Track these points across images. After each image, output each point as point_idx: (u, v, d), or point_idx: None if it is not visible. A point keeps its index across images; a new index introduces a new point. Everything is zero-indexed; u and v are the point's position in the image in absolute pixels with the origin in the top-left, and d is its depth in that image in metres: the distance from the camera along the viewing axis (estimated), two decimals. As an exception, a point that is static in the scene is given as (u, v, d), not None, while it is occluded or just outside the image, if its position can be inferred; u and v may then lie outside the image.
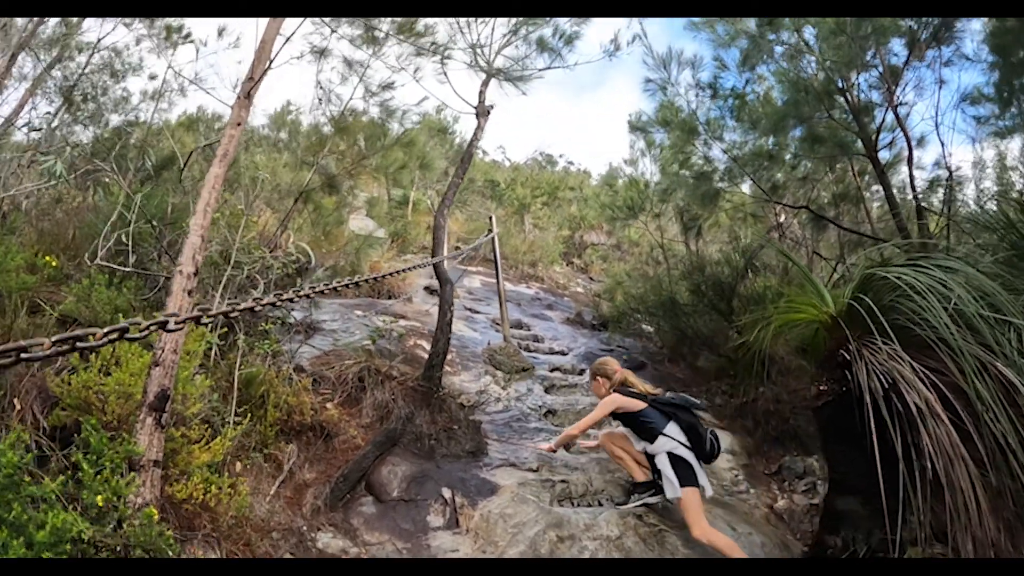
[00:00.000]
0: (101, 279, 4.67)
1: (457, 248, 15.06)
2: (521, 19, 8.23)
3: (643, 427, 4.71)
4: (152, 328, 1.46)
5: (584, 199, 22.86)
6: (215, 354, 4.87)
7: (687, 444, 4.53)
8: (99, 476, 2.83)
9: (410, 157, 10.83)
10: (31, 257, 4.73)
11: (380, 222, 14.69)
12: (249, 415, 4.52)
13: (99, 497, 2.73)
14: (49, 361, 3.82)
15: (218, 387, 4.50)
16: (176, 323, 1.55)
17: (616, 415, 4.84)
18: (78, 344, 1.32)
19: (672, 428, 4.59)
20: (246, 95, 4.19)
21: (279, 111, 16.22)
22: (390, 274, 3.58)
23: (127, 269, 4.91)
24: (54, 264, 4.80)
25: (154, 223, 5.29)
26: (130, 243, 4.95)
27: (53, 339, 1.28)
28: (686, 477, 4.42)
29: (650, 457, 4.68)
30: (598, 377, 5.12)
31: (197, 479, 3.35)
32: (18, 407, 3.36)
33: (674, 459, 4.49)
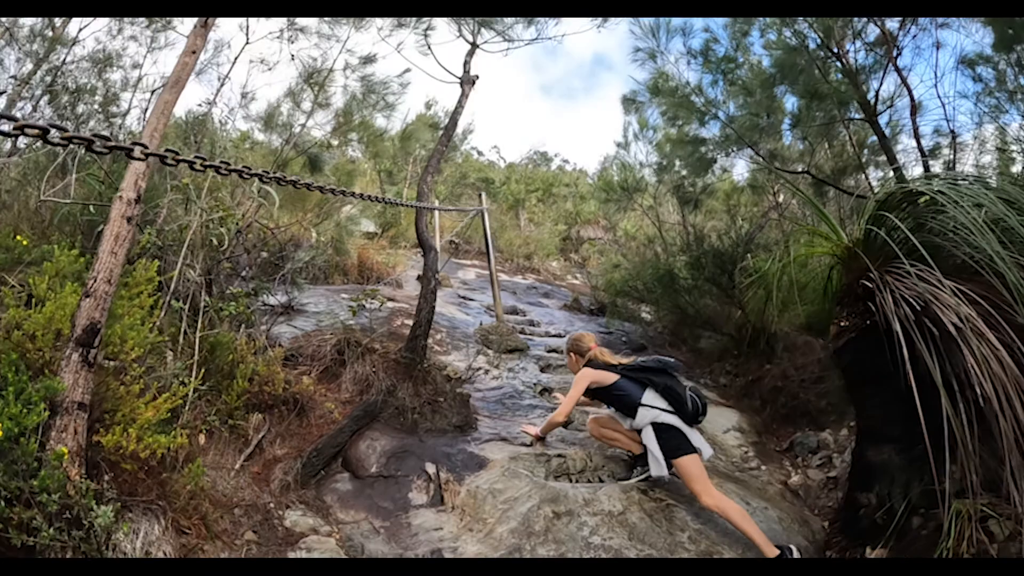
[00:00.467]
0: (64, 243, 4.31)
1: (452, 243, 14.79)
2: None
3: (620, 401, 4.38)
4: (119, 148, 1.42)
5: (580, 196, 22.64)
6: (184, 324, 4.48)
7: (670, 409, 4.18)
8: (6, 411, 2.45)
9: (391, 123, 10.41)
10: (5, 238, 4.44)
11: (372, 216, 14.42)
12: (213, 381, 4.17)
13: (-3, 427, 2.34)
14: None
15: (183, 354, 4.12)
16: (143, 153, 1.52)
17: (594, 394, 4.54)
18: (47, 136, 1.28)
19: (650, 395, 4.26)
20: (203, 24, 3.89)
21: (269, 112, 15.94)
22: (375, 199, 3.20)
23: (69, 201, 4.59)
24: (25, 243, 4.49)
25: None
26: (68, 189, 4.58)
27: (22, 122, 1.25)
28: (678, 447, 4.07)
29: (638, 433, 4.30)
30: (571, 353, 4.85)
31: (132, 432, 2.95)
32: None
33: (659, 429, 4.15)
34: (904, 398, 2.84)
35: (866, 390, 3.39)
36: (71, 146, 1.35)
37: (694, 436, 4.13)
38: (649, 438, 4.16)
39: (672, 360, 4.46)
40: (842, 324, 3.40)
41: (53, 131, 1.28)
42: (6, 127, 1.24)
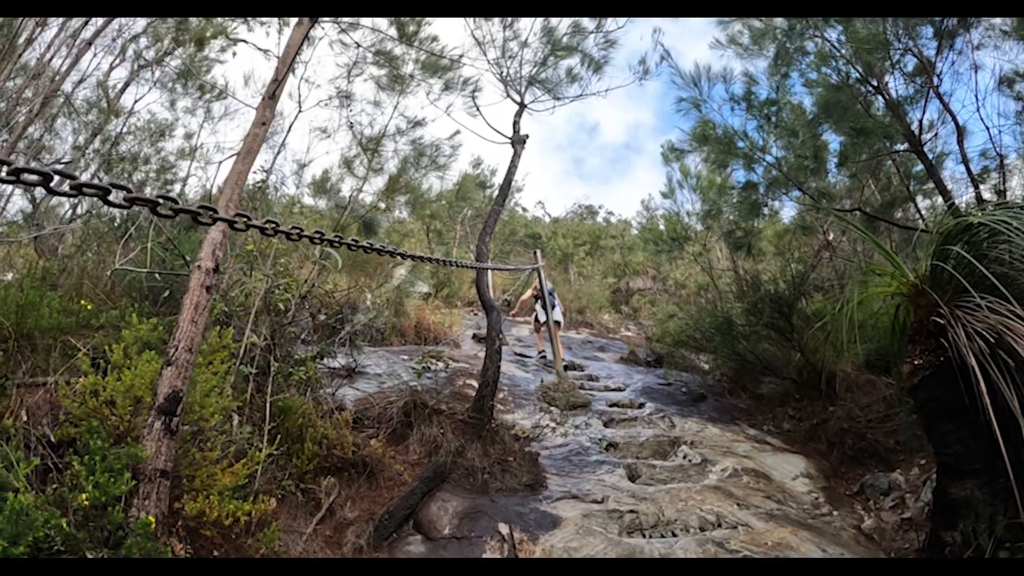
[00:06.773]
0: (131, 309, 4.49)
1: (507, 302, 14.90)
2: (549, 51, 8.23)
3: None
4: (186, 212, 1.35)
5: (627, 247, 22.71)
6: (251, 388, 4.62)
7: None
8: (91, 478, 2.55)
9: (444, 184, 10.70)
10: (68, 302, 4.62)
11: (423, 276, 14.68)
12: (284, 446, 4.25)
13: (83, 496, 2.43)
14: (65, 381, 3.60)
15: (251, 419, 4.24)
16: (212, 218, 1.45)
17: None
18: (108, 198, 1.22)
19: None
20: (270, 96, 4.13)
21: (318, 179, 16.53)
22: (434, 259, 3.30)
23: (145, 270, 4.79)
24: (89, 308, 4.68)
25: (187, 259, 5.18)
26: (148, 256, 4.80)
27: (80, 181, 1.18)
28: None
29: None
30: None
31: (214, 499, 3.03)
32: (24, 418, 3.11)
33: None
34: (983, 432, 2.80)
35: (945, 426, 3.30)
36: (134, 208, 1.33)
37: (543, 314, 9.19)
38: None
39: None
40: (915, 362, 3.34)
41: (115, 192, 1.22)
42: (65, 187, 1.17)
